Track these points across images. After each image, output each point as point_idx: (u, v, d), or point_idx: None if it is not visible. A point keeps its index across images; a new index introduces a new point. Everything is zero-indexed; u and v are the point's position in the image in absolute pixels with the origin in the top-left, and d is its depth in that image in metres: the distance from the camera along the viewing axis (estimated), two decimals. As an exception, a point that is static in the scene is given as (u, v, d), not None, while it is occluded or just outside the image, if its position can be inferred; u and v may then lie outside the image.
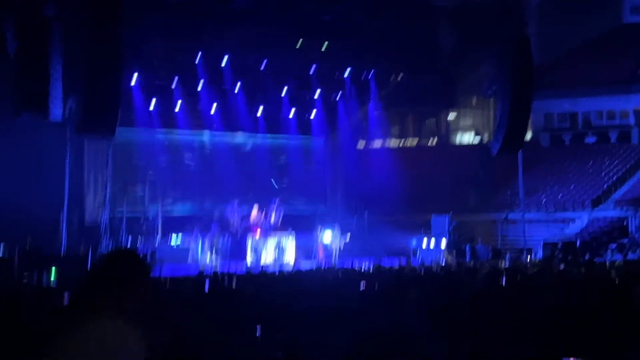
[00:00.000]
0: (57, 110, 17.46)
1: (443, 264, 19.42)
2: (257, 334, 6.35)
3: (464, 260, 21.94)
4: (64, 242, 19.04)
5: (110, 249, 3.40)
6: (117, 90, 17.33)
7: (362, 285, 9.97)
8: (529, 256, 23.00)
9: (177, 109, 25.73)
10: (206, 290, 10.30)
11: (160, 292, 10.43)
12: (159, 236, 23.93)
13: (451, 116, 34.56)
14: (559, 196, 30.88)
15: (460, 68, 27.18)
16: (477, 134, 33.13)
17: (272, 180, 26.41)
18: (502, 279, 11.10)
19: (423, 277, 12.41)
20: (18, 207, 19.69)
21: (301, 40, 24.64)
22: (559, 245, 24.16)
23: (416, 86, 28.56)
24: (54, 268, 15.25)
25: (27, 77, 16.93)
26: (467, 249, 24.89)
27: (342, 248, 24.41)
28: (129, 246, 20.65)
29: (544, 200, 30.71)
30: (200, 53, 24.10)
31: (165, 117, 25.73)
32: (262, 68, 25.38)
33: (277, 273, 15.51)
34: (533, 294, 8.91)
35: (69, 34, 17.60)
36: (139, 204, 25.12)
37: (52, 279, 15.41)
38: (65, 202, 19.32)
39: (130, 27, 18.74)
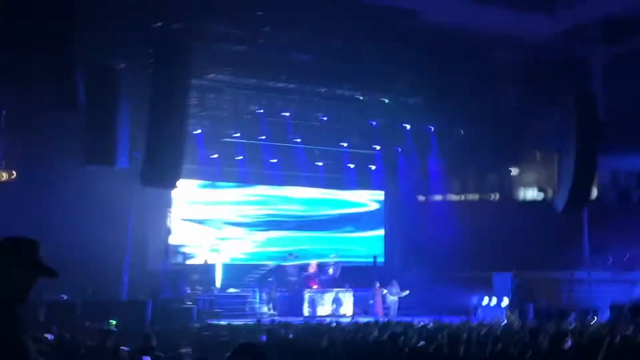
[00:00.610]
0: (123, 159, 17.94)
1: (504, 323, 18.88)
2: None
3: (527, 320, 21.30)
4: (125, 287, 19.32)
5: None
6: (182, 144, 17.72)
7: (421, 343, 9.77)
8: (595, 317, 22.20)
9: (238, 161, 26.08)
10: (263, 339, 10.26)
11: (219, 337, 10.44)
12: (217, 285, 24.07)
13: (514, 171, 34.04)
14: (627, 256, 29.85)
15: (524, 123, 26.88)
16: (540, 190, 32.47)
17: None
18: (567, 341, 10.71)
19: (483, 336, 12.08)
20: (83, 253, 20.15)
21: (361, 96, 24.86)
22: (627, 307, 23.25)
23: (478, 140, 28.33)
24: (113, 321, 15.42)
25: (95, 129, 17.49)
26: (530, 308, 24.18)
27: (398, 304, 24.06)
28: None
29: (611, 259, 29.73)
30: (262, 108, 24.53)
31: (228, 170, 26.10)
32: (323, 121, 25.65)
33: (333, 324, 15.38)
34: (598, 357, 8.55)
35: (137, 85, 18.18)
36: (199, 253, 25.40)
37: (113, 326, 15.60)
38: (129, 249, 19.67)
39: (197, 78, 19.29)
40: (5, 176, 20.71)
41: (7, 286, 2.98)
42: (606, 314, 23.78)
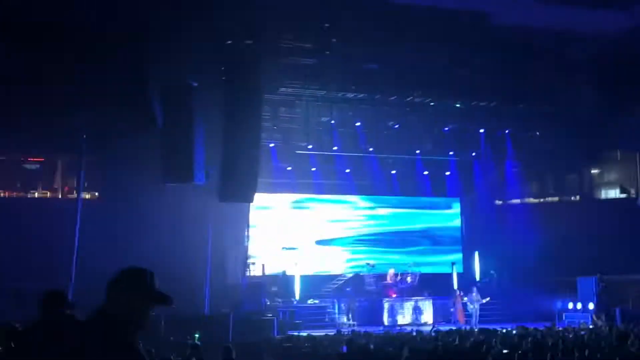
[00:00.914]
0: (200, 176, 18.32)
1: (591, 328, 18.33)
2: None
3: (614, 324, 20.60)
4: (207, 302, 19.66)
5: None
6: (256, 158, 17.97)
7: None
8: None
9: (312, 172, 26.25)
10: (344, 349, 10.27)
11: (300, 349, 10.51)
12: (296, 297, 24.23)
13: (594, 171, 33.08)
14: None
15: (602, 122, 26.11)
16: (622, 190, 31.44)
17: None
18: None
19: (569, 342, 11.77)
20: (164, 268, 20.63)
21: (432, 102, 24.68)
22: None
23: (556, 142, 27.68)
24: (196, 335, 15.72)
25: (172, 147, 17.92)
26: (618, 312, 23.39)
27: (480, 311, 23.67)
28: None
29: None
30: (334, 119, 24.65)
31: (302, 182, 26.27)
32: (394, 129, 25.59)
33: (414, 333, 15.24)
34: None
35: (211, 103, 18.55)
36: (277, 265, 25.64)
37: (197, 341, 15.90)
38: (209, 264, 20.03)
39: (268, 92, 19.56)
40: (88, 197, 21.49)
41: (129, 312, 3.26)
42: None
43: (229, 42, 19.13)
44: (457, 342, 12.13)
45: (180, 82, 18.42)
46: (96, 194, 24.32)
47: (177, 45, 18.52)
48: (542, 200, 32.45)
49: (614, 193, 32.56)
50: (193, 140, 17.73)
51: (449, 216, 29.83)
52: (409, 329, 18.56)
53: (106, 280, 3.35)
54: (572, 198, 32.93)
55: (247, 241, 24.91)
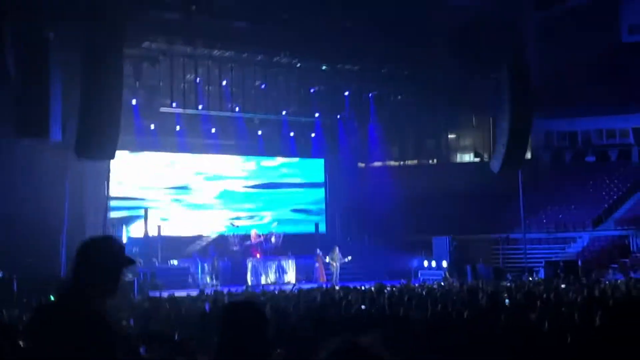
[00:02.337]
0: (57, 132, 17.46)
1: (443, 284, 19.31)
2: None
3: (466, 281, 21.82)
4: (63, 263, 18.95)
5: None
6: (117, 114, 17.33)
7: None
8: (530, 277, 22.89)
9: (176, 131, 25.73)
10: (207, 309, 10.23)
11: (161, 310, 10.36)
12: (158, 258, 23.84)
13: (451, 136, 34.58)
14: (560, 216, 30.81)
15: (460, 88, 27.23)
16: (476, 154, 33.12)
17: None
18: (505, 299, 11.04)
19: (423, 297, 12.33)
20: (19, 229, 19.69)
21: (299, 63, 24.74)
22: (561, 265, 24.06)
23: (416, 107, 28.62)
24: (51, 297, 15.10)
25: (27, 100, 16.94)
26: (469, 269, 24.79)
27: (340, 270, 24.32)
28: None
29: (545, 219, 30.65)
30: (199, 76, 24.17)
31: (165, 140, 25.72)
32: (261, 90, 25.48)
33: (276, 291, 15.46)
34: (535, 313, 8.84)
35: (69, 55, 17.65)
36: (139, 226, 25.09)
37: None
38: (65, 223, 19.26)
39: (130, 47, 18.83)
40: None
41: (104, 277, 3.36)
42: (541, 273, 24.57)
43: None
44: (318, 299, 12.40)
45: (36, 33, 17.36)
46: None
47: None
48: (402, 163, 33.62)
49: (468, 157, 34.26)
50: (48, 93, 16.81)
51: (313, 177, 30.27)
52: (272, 288, 18.76)
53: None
54: (430, 161, 34.37)
55: (108, 201, 24.12)
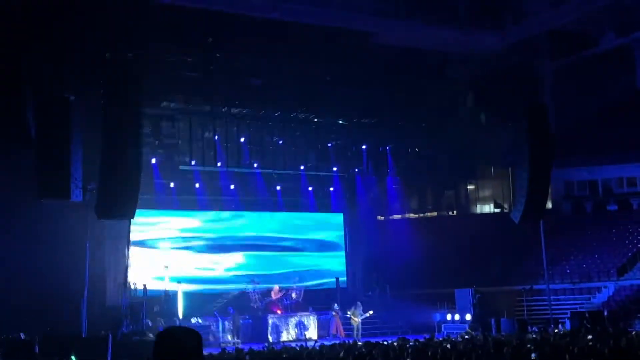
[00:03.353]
0: (78, 193, 17.63)
1: (467, 338, 18.96)
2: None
3: (490, 334, 21.43)
4: (84, 323, 18.91)
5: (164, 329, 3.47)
6: (137, 174, 17.47)
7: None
8: (555, 328, 22.45)
9: (196, 189, 25.87)
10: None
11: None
12: (179, 316, 23.70)
13: (470, 187, 34.49)
14: (584, 265, 30.38)
15: (478, 139, 27.28)
16: (496, 205, 32.95)
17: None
18: (532, 353, 10.82)
19: (447, 352, 12.11)
20: (40, 290, 19.74)
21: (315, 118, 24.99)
22: (586, 316, 23.60)
23: (434, 158, 28.66)
24: (73, 356, 15.07)
25: (48, 162, 17.16)
26: (492, 322, 24.38)
27: (362, 325, 24.03)
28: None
29: (569, 270, 30.22)
30: (217, 134, 24.41)
31: (185, 199, 25.87)
32: (279, 145, 25.67)
33: (298, 348, 15.28)
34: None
35: (89, 116, 17.94)
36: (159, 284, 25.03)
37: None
38: (86, 284, 19.29)
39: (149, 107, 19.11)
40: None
41: None
42: (567, 324, 24.11)
43: (108, 54, 18.63)
44: (341, 355, 12.22)
45: (57, 95, 17.71)
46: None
47: (54, 56, 17.85)
48: (421, 215, 33.51)
49: (488, 208, 34.07)
50: (70, 155, 17.03)
51: (333, 231, 30.16)
52: (293, 344, 18.54)
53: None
54: (450, 213, 34.21)
55: (128, 260, 24.17)
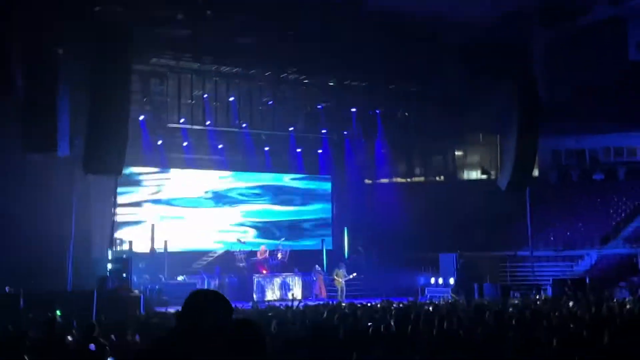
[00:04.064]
0: (65, 147, 17.50)
1: (450, 302, 19.19)
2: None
3: (473, 298, 21.68)
4: (69, 279, 18.95)
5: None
6: (124, 130, 17.36)
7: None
8: (537, 295, 22.72)
9: (184, 147, 25.79)
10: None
11: (167, 325, 10.32)
12: (165, 274, 23.80)
13: (458, 154, 34.55)
14: (568, 233, 30.66)
15: (467, 106, 27.25)
16: (484, 171, 33.07)
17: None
18: (513, 316, 10.96)
19: (430, 315, 12.24)
20: (25, 244, 19.71)
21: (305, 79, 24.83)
22: (569, 283, 23.89)
23: (423, 123, 28.61)
24: (58, 312, 15.09)
25: (35, 115, 16.99)
26: (475, 287, 24.63)
27: (346, 287, 24.24)
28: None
29: (553, 237, 30.50)
30: (206, 93, 24.25)
31: (173, 157, 25.79)
32: (268, 106, 25.54)
33: (282, 307, 15.42)
34: (543, 331, 8.78)
35: (77, 71, 17.74)
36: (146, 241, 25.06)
37: (58, 317, 15.27)
38: (72, 239, 19.28)
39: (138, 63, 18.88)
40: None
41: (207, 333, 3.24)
42: (548, 290, 24.39)
43: (98, 8, 18.36)
44: (325, 315, 12.34)
45: (46, 47, 17.46)
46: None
47: (43, 8, 17.54)
48: (408, 180, 33.58)
49: (475, 174, 34.21)
50: (56, 108, 16.86)
51: (320, 194, 30.22)
52: (277, 304, 18.68)
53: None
54: (437, 178, 34.31)
55: (114, 217, 24.16)
